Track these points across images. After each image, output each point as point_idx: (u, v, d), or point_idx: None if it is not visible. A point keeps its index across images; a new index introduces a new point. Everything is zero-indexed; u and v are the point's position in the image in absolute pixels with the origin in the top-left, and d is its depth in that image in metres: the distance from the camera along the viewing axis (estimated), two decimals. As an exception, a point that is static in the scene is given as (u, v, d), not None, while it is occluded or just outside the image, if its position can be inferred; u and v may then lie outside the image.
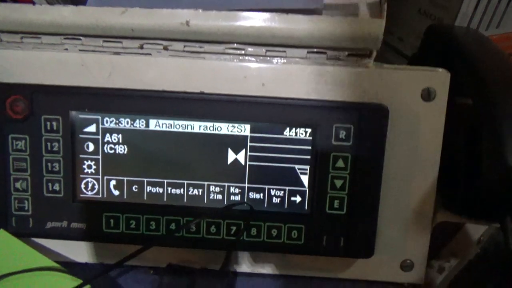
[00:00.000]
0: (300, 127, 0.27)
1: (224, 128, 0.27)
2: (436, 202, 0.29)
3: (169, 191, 0.28)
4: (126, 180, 0.28)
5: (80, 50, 0.28)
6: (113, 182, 0.28)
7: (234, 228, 0.28)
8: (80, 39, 0.28)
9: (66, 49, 0.28)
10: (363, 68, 0.27)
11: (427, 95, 0.27)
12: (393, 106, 0.27)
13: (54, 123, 0.27)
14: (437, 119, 0.28)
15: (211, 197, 0.28)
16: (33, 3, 0.26)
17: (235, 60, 0.28)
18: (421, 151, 0.28)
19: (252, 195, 0.28)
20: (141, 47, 0.28)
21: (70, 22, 0.26)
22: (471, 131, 0.27)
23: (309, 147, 0.27)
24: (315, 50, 0.27)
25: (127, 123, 0.28)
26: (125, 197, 0.28)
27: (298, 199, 0.28)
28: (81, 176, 0.28)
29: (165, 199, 0.28)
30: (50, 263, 0.27)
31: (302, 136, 0.27)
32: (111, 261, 0.29)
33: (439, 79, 0.27)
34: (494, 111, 0.25)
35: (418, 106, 0.27)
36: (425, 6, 0.44)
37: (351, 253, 0.28)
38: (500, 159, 0.25)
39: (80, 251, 0.30)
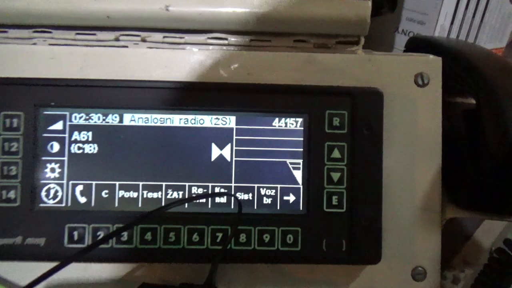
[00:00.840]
0: (290, 116, 0.25)
1: (207, 121, 0.25)
2: (444, 199, 0.26)
3: (144, 195, 0.25)
4: (95, 184, 0.24)
5: (50, 44, 0.26)
6: (79, 188, 0.24)
7: (220, 234, 0.24)
8: (50, 32, 0.26)
9: (35, 44, 0.26)
10: (353, 54, 0.26)
11: (421, 80, 0.26)
12: (387, 92, 0.25)
13: (15, 120, 0.24)
14: (433, 104, 0.26)
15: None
16: (0, -9, 0.25)
17: (217, 50, 0.26)
18: (421, 139, 0.26)
19: (240, 195, 0.25)
20: (117, 39, 0.26)
21: (42, 10, 0.25)
22: (471, 122, 0.26)
23: (301, 138, 0.25)
24: (301, 38, 0.26)
25: (99, 118, 0.25)
26: (92, 204, 0.24)
27: (291, 198, 0.25)
28: (41, 181, 0.24)
29: (139, 205, 0.24)
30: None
31: (293, 127, 0.25)
32: (77, 287, 0.25)
33: (431, 64, 0.26)
34: (493, 92, 0.24)
35: (413, 91, 0.26)
36: (403, 25, 0.45)
37: (355, 258, 0.24)
38: (506, 143, 0.23)
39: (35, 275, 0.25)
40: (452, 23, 0.41)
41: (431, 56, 0.27)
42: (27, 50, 0.25)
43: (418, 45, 0.35)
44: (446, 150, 0.26)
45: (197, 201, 0.24)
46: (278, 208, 0.25)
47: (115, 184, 0.24)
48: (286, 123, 0.25)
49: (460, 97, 0.30)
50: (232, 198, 0.24)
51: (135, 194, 0.24)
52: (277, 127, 0.25)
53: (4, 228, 0.24)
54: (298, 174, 0.25)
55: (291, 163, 0.25)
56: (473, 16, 0.42)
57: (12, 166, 0.24)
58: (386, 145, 0.25)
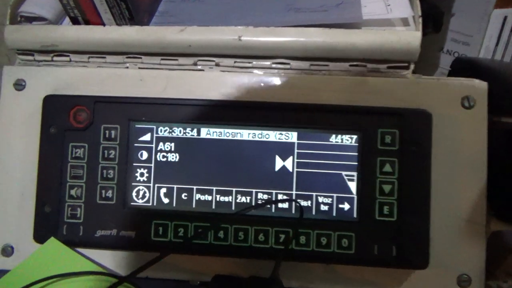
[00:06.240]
0: (346, 133, 0.28)
1: (272, 135, 0.29)
2: (489, 212, 0.28)
3: (217, 199, 0.28)
4: (176, 188, 0.29)
5: (139, 68, 0.31)
6: (163, 190, 0.29)
7: (282, 236, 0.28)
8: (140, 58, 0.31)
9: (127, 67, 0.31)
10: (403, 78, 0.29)
11: (467, 103, 0.28)
12: (435, 113, 0.28)
13: (113, 132, 0.29)
14: (479, 126, 0.28)
15: (259, 205, 0.28)
16: (104, 25, 0.30)
17: (281, 74, 0.30)
18: (467, 157, 0.28)
19: (300, 202, 0.28)
20: (195, 63, 0.30)
21: (134, 41, 0.29)
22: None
23: (356, 153, 0.28)
24: (356, 63, 0.29)
25: (180, 131, 0.29)
26: (174, 205, 0.29)
27: (346, 206, 0.28)
28: (133, 184, 0.29)
29: (213, 207, 0.28)
30: (96, 268, 0.27)
31: (348, 142, 0.28)
32: (159, 274, 0.29)
33: (478, 88, 0.29)
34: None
35: (459, 113, 0.28)
36: (448, 45, 0.47)
37: (405, 263, 0.27)
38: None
39: (128, 263, 0.29)
40: (497, 44, 0.43)
41: (478, 81, 0.29)
42: (120, 73, 0.30)
43: (463, 66, 0.38)
44: (491, 167, 0.28)
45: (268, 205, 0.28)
46: (334, 214, 0.28)
47: (193, 188, 0.29)
48: (342, 139, 0.28)
49: (506, 116, 0.32)
50: (294, 204, 0.28)
51: (209, 197, 0.28)
52: (334, 143, 0.28)
53: (102, 222, 0.28)
54: (352, 185, 0.28)
55: (346, 175, 0.28)
56: (520, 36, 0.43)
57: (110, 170, 0.29)
58: (434, 161, 0.27)
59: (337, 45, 0.29)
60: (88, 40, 0.30)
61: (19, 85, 0.31)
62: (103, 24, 0.30)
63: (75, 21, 0.30)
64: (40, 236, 0.28)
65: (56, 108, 0.29)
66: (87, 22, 0.30)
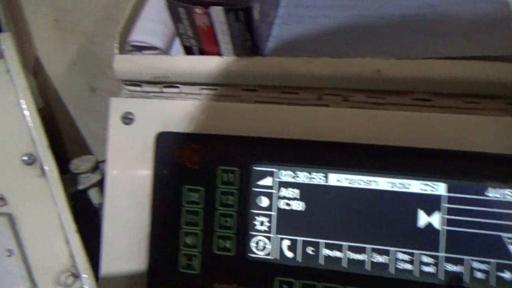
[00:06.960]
0: (507, 187, 0.24)
1: (415, 186, 0.25)
2: None
3: (349, 256, 0.25)
4: (301, 240, 0.25)
5: (255, 101, 0.28)
6: (286, 242, 0.26)
7: (429, 307, 0.24)
8: (257, 90, 0.28)
9: (241, 101, 0.28)
10: None
11: None
12: None
13: (231, 175, 0.26)
14: None
15: (398, 266, 0.24)
16: (220, 55, 0.27)
17: (421, 111, 0.25)
18: None
19: (449, 267, 0.24)
20: (320, 98, 0.27)
21: (255, 72, 0.26)
22: None
23: (520, 212, 0.23)
24: (516, 102, 0.25)
25: (305, 177, 0.26)
26: (299, 260, 0.25)
27: (508, 275, 0.23)
28: (252, 233, 0.26)
29: (344, 265, 0.25)
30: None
31: (510, 198, 0.24)
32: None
33: None
34: None
35: None
36: None
37: None
38: None
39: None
40: None
41: None
42: (235, 108, 0.27)
43: None
44: None
45: (404, 267, 0.24)
46: (494, 285, 0.23)
47: (320, 242, 0.25)
48: (502, 194, 0.24)
49: None
50: (443, 268, 0.24)
51: (339, 254, 0.25)
52: (491, 198, 0.24)
53: (220, 274, 0.26)
54: (516, 250, 0.23)
55: (507, 238, 0.23)
56: None
57: (228, 218, 0.26)
58: None
59: (496, 81, 0.24)
60: (204, 72, 0.27)
61: (127, 119, 0.28)
62: (219, 54, 0.27)
63: (188, 50, 0.28)
64: (153, 286, 0.26)
65: (170, 147, 0.27)
66: (202, 51, 0.28)
